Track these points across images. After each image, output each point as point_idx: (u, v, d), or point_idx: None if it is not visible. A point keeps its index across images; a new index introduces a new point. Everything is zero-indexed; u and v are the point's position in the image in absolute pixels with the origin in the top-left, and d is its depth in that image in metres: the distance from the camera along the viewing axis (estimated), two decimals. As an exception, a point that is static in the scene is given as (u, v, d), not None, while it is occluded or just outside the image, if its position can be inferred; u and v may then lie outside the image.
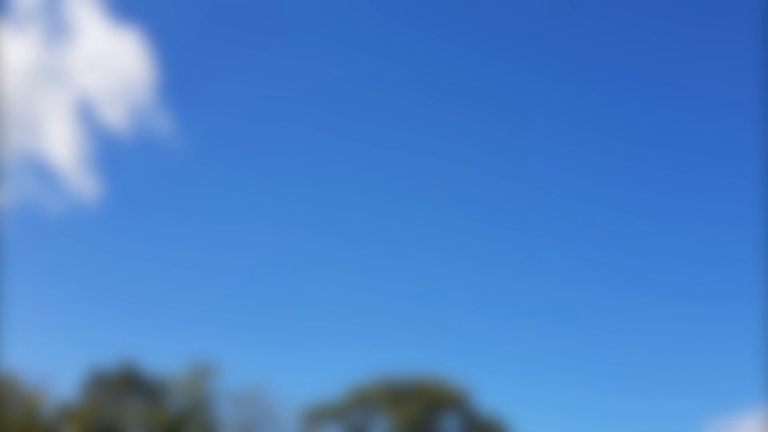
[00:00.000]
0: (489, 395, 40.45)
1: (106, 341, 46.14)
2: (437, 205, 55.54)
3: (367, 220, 55.39)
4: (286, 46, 58.21)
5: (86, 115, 53.84)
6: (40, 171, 52.31)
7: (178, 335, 46.06)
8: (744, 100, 55.60)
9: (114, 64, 55.46)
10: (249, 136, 56.35)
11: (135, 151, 54.00)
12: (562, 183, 58.43)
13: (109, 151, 53.58)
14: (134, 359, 39.54)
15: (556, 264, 56.35)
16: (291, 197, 54.72)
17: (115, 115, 53.96)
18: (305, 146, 56.43)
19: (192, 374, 41.02)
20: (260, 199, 54.92)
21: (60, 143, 53.46)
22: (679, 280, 54.74)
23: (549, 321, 53.17)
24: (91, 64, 55.92)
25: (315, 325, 49.46)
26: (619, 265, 55.44)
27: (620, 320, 54.03)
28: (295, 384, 47.37)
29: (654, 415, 47.84)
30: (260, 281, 52.09)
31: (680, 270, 54.96)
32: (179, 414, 40.62)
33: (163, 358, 40.64)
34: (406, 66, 59.20)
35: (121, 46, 54.84)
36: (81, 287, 49.60)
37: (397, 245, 53.75)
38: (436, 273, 52.92)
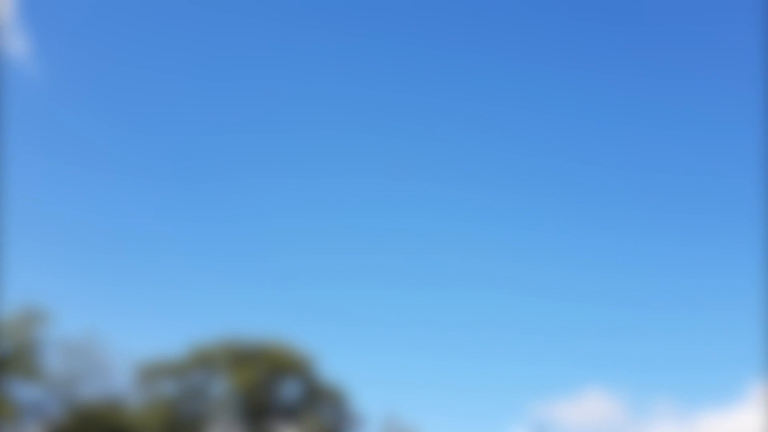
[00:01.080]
0: (334, 363, 40.90)
1: None
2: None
3: (214, 174, 54.20)
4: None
5: None
6: None
7: (17, 277, 42.89)
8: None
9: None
10: (110, 80, 53.54)
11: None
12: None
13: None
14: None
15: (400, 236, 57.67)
16: (142, 143, 52.51)
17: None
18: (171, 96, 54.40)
19: (20, 318, 38.43)
20: (108, 141, 52.32)
21: None
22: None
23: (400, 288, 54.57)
24: None
25: (162, 280, 47.91)
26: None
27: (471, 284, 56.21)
28: (135, 339, 45.73)
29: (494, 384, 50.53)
30: (102, 225, 49.68)
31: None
32: (3, 357, 37.97)
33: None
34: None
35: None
36: None
37: (255, 204, 53.03)
38: (291, 237, 52.78)
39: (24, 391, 37.49)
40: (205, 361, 40.12)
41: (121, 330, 44.49)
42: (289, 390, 40.50)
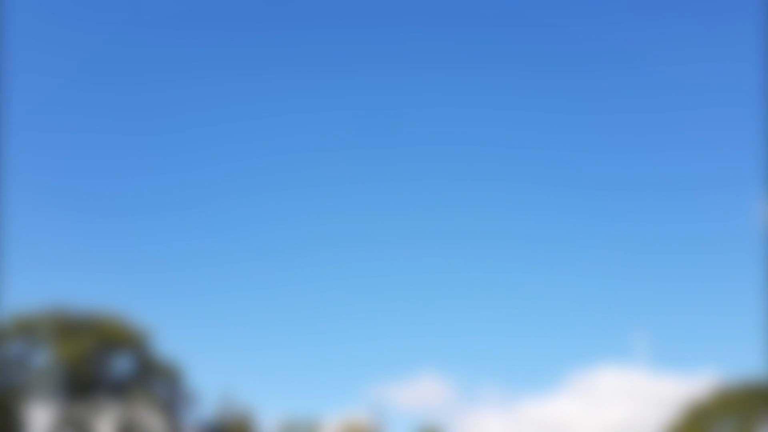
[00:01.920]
0: (171, 339, 38.84)
1: None
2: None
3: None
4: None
5: None
6: None
7: None
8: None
9: None
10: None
11: None
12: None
13: None
14: None
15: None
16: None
17: None
18: None
19: None
20: None
21: None
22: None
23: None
24: None
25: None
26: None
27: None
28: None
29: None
30: None
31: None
32: None
33: None
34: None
35: None
36: None
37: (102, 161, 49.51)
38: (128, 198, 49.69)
39: None
40: (26, 329, 36.94)
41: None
42: (121, 364, 38.06)
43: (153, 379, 38.06)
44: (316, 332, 54.37)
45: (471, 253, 61.46)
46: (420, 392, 52.12)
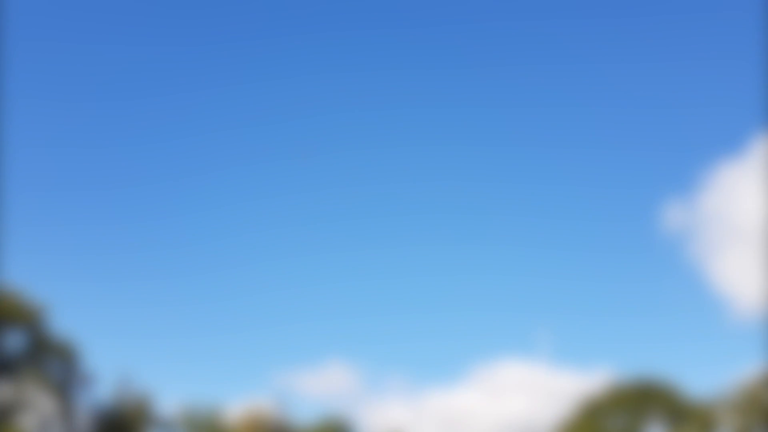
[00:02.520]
0: (67, 317, 38.04)
1: None
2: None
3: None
4: None
5: None
6: None
7: None
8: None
9: None
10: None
11: None
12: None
13: None
14: None
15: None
16: None
17: None
18: None
19: None
20: None
21: None
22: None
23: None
24: None
25: None
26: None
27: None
28: None
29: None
30: None
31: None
32: None
33: None
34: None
35: None
36: None
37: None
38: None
39: None
40: None
41: None
42: (12, 341, 37.13)
43: (46, 358, 37.25)
44: (224, 319, 54.02)
45: (381, 250, 61.90)
46: (327, 380, 52.36)
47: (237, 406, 42.84)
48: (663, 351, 54.48)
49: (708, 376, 53.28)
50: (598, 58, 66.71)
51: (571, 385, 45.13)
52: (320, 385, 52.42)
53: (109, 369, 38.73)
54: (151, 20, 61.63)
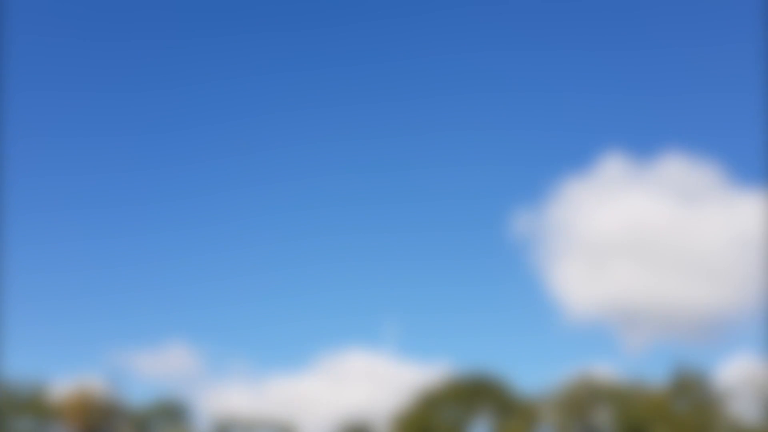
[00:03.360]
0: None
1: None
2: None
3: None
4: None
5: None
6: None
7: None
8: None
9: None
10: None
11: None
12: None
13: None
14: None
15: None
16: None
17: None
18: None
19: None
20: None
21: None
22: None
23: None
24: None
25: None
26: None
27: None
28: None
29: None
30: None
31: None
32: None
33: None
34: None
35: None
36: None
37: None
38: None
39: None
40: None
41: None
42: None
43: None
44: (58, 296, 53.36)
45: (229, 228, 63.05)
46: (167, 362, 52.51)
47: (64, 383, 41.70)
48: (498, 349, 58.58)
49: (537, 375, 57.70)
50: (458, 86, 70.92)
51: (413, 377, 47.79)
52: (159, 366, 52.32)
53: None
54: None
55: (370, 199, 67.33)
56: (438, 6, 70.40)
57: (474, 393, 44.51)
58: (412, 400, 45.48)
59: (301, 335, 58.76)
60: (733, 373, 39.51)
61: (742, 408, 38.61)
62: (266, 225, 64.34)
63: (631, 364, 52.44)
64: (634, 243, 54.32)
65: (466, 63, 71.71)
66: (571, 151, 64.71)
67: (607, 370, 41.10)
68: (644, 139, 64.73)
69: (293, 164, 67.20)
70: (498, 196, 65.57)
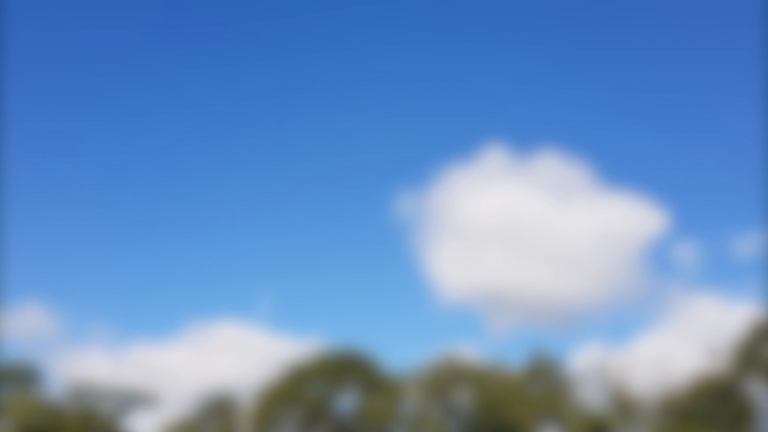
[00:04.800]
0: None
1: None
2: None
3: None
4: None
5: None
6: None
7: None
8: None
9: None
10: None
11: None
12: None
13: None
14: None
15: None
16: None
17: None
18: None
19: None
20: None
21: None
22: None
23: None
24: None
25: None
26: None
27: None
28: None
29: None
30: None
31: None
32: None
33: None
34: None
35: None
36: None
37: None
38: None
39: None
40: None
41: None
42: None
43: None
44: None
45: (102, 198, 62.47)
46: (21, 322, 51.31)
47: None
48: (371, 327, 60.61)
49: (407, 354, 60.00)
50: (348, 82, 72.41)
51: (283, 351, 48.94)
52: (11, 326, 51.19)
53: None
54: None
55: (249, 166, 68.12)
56: (324, 4, 71.89)
57: (342, 369, 45.95)
58: (281, 373, 46.42)
59: (170, 303, 58.89)
60: (584, 360, 42.65)
61: (590, 393, 41.77)
62: (138, 193, 63.91)
63: (494, 348, 55.52)
64: (508, 232, 57.28)
65: (354, 57, 73.41)
66: (455, 140, 67.50)
67: (471, 352, 43.52)
68: (525, 134, 68.29)
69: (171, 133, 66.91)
70: (383, 180, 67.64)
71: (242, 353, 52.52)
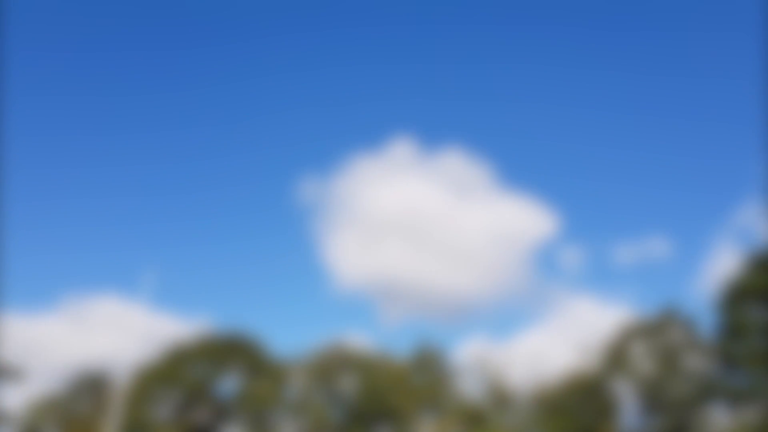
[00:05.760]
0: None
1: None
2: None
3: None
4: None
5: None
6: None
7: None
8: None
9: None
10: None
11: None
12: None
13: None
14: None
15: None
16: None
17: None
18: None
19: None
20: None
21: None
22: None
23: None
24: None
25: None
26: None
27: None
28: None
29: None
30: None
31: None
32: None
33: None
34: None
35: None
36: None
37: None
38: None
39: None
40: None
41: None
42: None
43: None
44: None
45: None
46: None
47: None
48: (265, 311, 60.63)
49: (299, 338, 60.41)
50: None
51: (167, 329, 48.50)
52: None
53: None
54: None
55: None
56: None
57: (226, 351, 45.86)
58: (161, 352, 45.91)
59: (45, 274, 57.03)
60: (467, 353, 44.41)
61: (470, 384, 43.56)
62: (18, 153, 61.36)
63: (385, 336, 56.79)
64: (407, 224, 58.56)
65: (265, 46, 73.02)
66: (364, 130, 68.50)
67: (361, 339, 44.47)
68: (433, 130, 70.03)
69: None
70: (288, 166, 67.81)
71: (122, 330, 51.67)
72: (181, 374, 46.11)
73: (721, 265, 47.14)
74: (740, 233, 58.11)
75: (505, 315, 57.42)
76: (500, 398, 43.30)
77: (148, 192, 66.73)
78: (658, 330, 44.66)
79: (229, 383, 45.68)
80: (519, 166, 67.98)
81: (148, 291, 54.80)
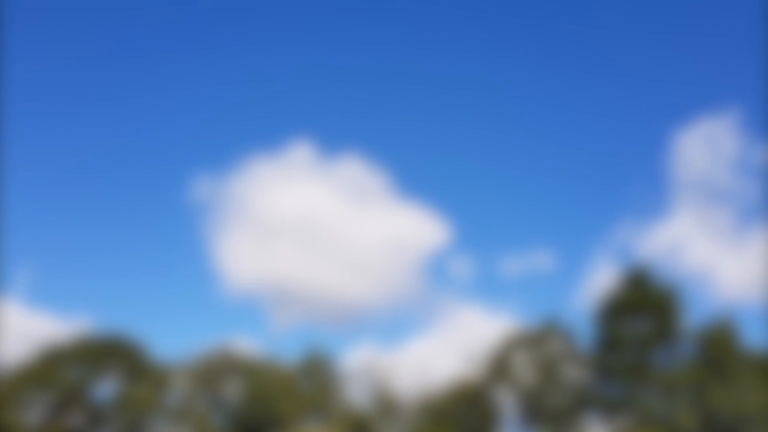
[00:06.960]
0: None
1: None
2: None
3: None
4: None
5: None
6: None
7: None
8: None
9: None
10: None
11: None
12: None
13: None
14: None
15: None
16: None
17: None
18: None
19: None
20: None
21: None
22: None
23: None
24: None
25: None
26: None
27: None
28: None
29: None
30: None
31: None
32: None
33: None
34: None
35: None
36: None
37: None
38: None
39: None
40: None
41: None
42: None
43: None
44: None
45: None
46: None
47: None
48: (148, 313, 58.53)
49: (185, 342, 58.67)
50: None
51: (42, 329, 46.36)
52: None
53: None
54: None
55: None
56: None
57: (104, 353, 44.19)
58: (34, 353, 43.96)
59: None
60: (356, 359, 44.31)
61: (357, 391, 43.48)
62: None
63: (274, 341, 55.95)
64: (302, 229, 57.81)
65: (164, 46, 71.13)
66: (263, 131, 67.33)
67: (249, 344, 43.62)
68: (332, 136, 69.57)
69: None
70: (181, 161, 65.79)
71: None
72: (54, 376, 44.22)
73: (600, 279, 48.98)
74: (618, 250, 60.61)
75: (395, 322, 57.82)
76: (386, 405, 43.41)
77: (25, 188, 63.75)
78: (540, 341, 45.83)
79: (107, 387, 44.05)
80: (415, 177, 68.78)
81: (22, 288, 52.18)
